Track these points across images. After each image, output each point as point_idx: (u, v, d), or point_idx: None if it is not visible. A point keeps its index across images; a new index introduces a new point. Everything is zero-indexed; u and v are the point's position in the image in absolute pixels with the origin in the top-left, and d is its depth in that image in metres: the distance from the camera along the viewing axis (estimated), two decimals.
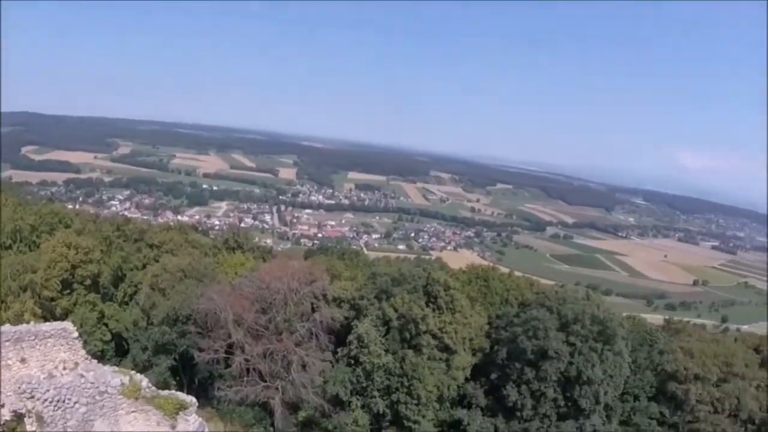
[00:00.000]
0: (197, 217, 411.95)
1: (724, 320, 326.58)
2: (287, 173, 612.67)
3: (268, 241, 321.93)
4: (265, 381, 56.04)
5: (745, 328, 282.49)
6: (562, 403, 58.17)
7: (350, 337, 57.30)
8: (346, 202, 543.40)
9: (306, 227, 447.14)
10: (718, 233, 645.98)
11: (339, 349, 58.89)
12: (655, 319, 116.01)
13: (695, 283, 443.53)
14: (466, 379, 61.71)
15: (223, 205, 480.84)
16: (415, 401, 56.36)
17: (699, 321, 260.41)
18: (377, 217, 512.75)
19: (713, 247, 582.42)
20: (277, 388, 55.88)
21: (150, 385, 29.22)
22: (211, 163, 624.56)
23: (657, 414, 64.88)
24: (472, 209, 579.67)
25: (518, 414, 58.51)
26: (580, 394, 57.30)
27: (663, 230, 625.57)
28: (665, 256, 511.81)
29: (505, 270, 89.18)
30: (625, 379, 61.89)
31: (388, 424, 58.41)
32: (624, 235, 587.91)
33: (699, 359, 65.08)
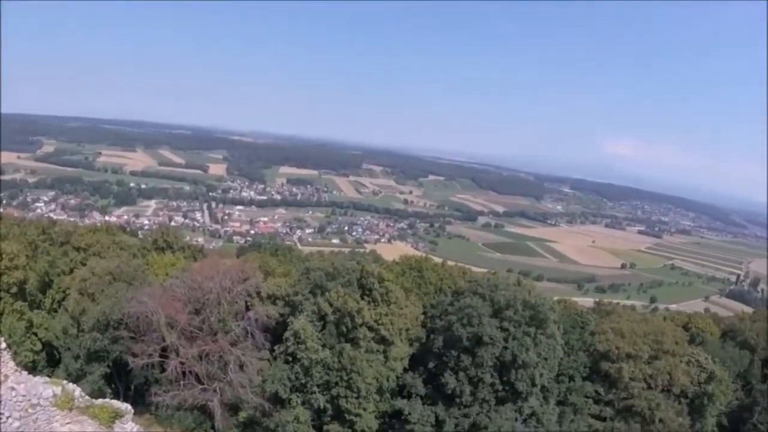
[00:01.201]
0: (125, 217, 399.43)
1: (652, 300, 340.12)
2: (217, 169, 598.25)
3: (200, 239, 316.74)
4: (203, 383, 55.09)
5: (673, 307, 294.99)
6: (500, 387, 59.08)
7: (286, 334, 56.73)
8: (278, 197, 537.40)
9: (238, 224, 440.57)
10: (643, 218, 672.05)
11: (276, 347, 58.20)
12: (586, 302, 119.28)
13: (623, 266, 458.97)
14: (405, 370, 62.00)
15: (152, 204, 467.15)
16: (355, 394, 56.26)
17: (628, 302, 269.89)
18: (310, 212, 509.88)
19: (639, 232, 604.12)
20: (215, 390, 55.00)
21: (84, 394, 28.14)
22: (138, 160, 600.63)
23: (592, 393, 66.82)
24: (405, 201, 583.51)
25: (457, 401, 59.17)
26: (517, 377, 58.30)
27: (591, 217, 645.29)
28: (593, 241, 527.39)
29: (438, 260, 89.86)
30: (559, 361, 63.40)
31: (329, 419, 58.16)
32: (553, 223, 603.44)
33: (630, 338, 67.21)
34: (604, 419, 66.81)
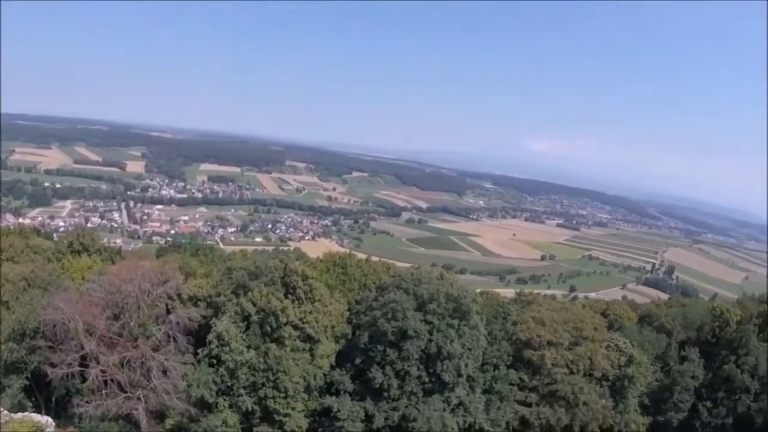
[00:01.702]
0: (40, 218, 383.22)
1: (572, 290, 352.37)
2: (136, 166, 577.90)
3: (118, 241, 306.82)
4: (126, 391, 53.21)
5: (592, 295, 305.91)
6: (427, 379, 59.65)
7: (210, 337, 55.76)
8: (199, 195, 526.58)
9: (157, 224, 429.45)
10: (562, 212, 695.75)
11: (199, 350, 57.00)
12: (508, 293, 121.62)
13: (543, 258, 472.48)
14: (332, 367, 61.77)
15: (68, 205, 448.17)
16: (282, 395, 55.76)
17: (549, 292, 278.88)
18: (232, 210, 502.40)
19: (558, 225, 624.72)
20: (139, 398, 53.23)
21: (2, 409, 26.96)
22: (53, 157, 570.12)
23: (517, 380, 68.19)
24: (329, 198, 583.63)
25: (386, 395, 59.37)
26: (443, 368, 58.98)
27: (511, 211, 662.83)
28: (514, 234, 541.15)
29: (362, 256, 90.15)
30: (483, 351, 64.53)
31: (258, 420, 57.36)
32: (475, 218, 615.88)
33: (550, 326, 69.03)
34: (529, 405, 68.29)
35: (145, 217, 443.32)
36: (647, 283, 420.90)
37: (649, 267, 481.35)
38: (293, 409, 56.90)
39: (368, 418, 59.67)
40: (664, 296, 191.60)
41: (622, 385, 72.19)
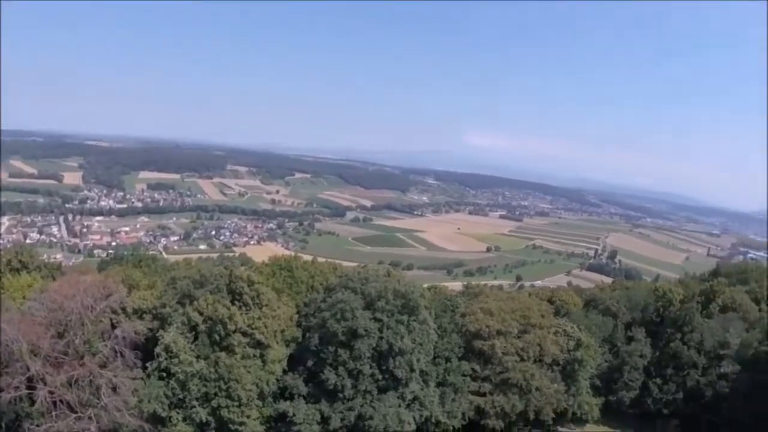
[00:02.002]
0: None
1: (518, 279, 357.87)
2: (73, 178, 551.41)
3: (58, 256, 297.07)
4: (76, 412, 51.70)
5: (537, 283, 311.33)
6: (380, 377, 60.06)
7: (157, 349, 54.95)
8: (140, 204, 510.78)
9: (98, 236, 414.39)
10: (504, 204, 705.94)
11: (148, 364, 56.11)
12: (455, 286, 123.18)
13: (488, 249, 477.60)
14: (284, 371, 61.55)
15: (4, 221, 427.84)
16: (236, 403, 55.33)
17: (496, 282, 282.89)
18: (174, 218, 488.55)
19: (501, 216, 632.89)
20: (90, 417, 51.73)
21: None
22: None
23: (469, 371, 69.29)
24: (272, 201, 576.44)
25: (340, 395, 59.52)
26: (395, 365, 59.48)
27: (455, 205, 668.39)
28: (458, 228, 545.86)
29: (308, 258, 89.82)
30: (434, 345, 65.37)
31: (213, 431, 56.75)
32: (420, 213, 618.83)
33: (499, 316, 70.46)
34: (483, 395, 69.47)
35: (85, 230, 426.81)
36: (591, 269, 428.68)
37: (591, 253, 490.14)
38: (248, 417, 56.54)
39: (324, 420, 59.72)
40: (608, 280, 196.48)
41: (572, 368, 74.23)
